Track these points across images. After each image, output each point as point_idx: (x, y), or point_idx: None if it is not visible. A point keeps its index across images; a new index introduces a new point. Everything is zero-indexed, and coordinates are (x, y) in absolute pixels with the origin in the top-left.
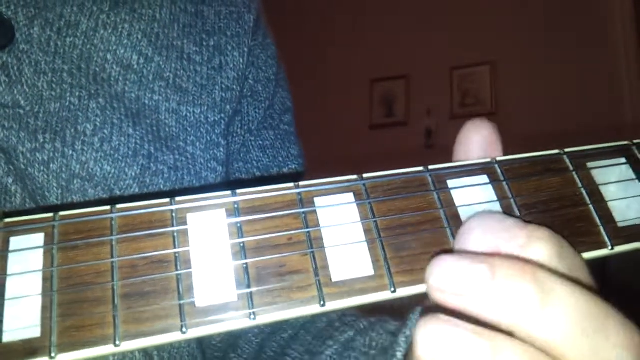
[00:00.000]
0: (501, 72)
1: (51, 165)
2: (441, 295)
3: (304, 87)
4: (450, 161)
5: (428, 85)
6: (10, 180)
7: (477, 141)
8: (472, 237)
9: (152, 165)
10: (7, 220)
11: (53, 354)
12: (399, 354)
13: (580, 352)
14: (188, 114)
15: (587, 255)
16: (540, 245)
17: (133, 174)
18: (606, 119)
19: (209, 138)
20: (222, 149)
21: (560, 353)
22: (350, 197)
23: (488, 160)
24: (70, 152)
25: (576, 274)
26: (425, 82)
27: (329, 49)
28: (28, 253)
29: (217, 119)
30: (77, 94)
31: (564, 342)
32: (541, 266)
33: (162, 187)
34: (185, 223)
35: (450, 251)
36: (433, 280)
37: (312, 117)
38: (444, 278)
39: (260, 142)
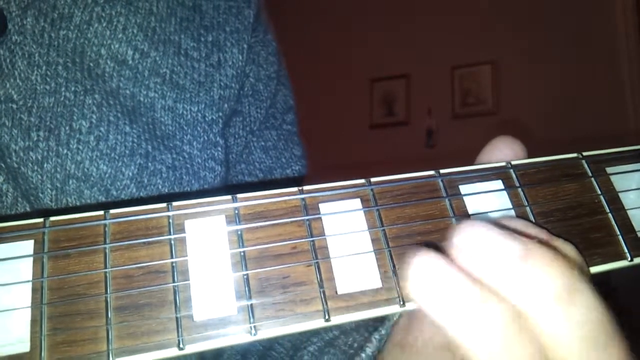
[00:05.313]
0: (502, 72)
1: (45, 165)
2: (462, 256)
3: (304, 87)
4: (453, 162)
5: (429, 85)
6: (1, 179)
7: (507, 154)
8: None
9: (149, 164)
10: None
11: None
12: (369, 350)
13: None
14: (184, 112)
15: (605, 267)
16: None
17: (130, 173)
18: (608, 117)
19: (206, 137)
20: (220, 149)
21: (560, 356)
22: (357, 203)
23: (503, 164)
24: (65, 151)
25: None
26: (426, 81)
27: (329, 48)
28: (17, 262)
29: (214, 117)
30: (73, 88)
31: (571, 348)
32: (577, 263)
33: (160, 187)
34: (183, 230)
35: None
36: (459, 239)
37: (312, 116)
38: (472, 241)
39: (263, 143)
